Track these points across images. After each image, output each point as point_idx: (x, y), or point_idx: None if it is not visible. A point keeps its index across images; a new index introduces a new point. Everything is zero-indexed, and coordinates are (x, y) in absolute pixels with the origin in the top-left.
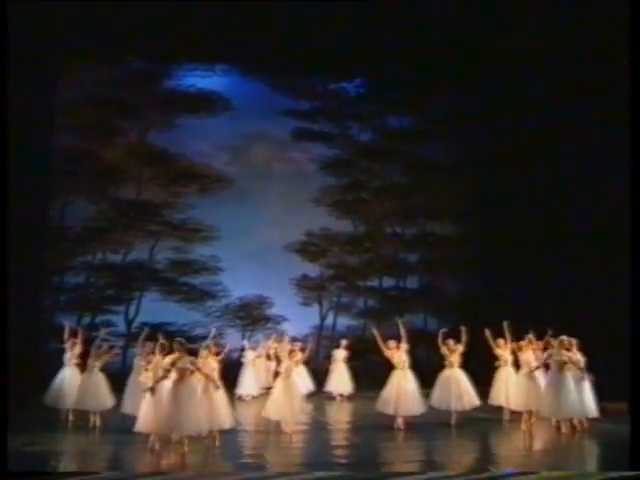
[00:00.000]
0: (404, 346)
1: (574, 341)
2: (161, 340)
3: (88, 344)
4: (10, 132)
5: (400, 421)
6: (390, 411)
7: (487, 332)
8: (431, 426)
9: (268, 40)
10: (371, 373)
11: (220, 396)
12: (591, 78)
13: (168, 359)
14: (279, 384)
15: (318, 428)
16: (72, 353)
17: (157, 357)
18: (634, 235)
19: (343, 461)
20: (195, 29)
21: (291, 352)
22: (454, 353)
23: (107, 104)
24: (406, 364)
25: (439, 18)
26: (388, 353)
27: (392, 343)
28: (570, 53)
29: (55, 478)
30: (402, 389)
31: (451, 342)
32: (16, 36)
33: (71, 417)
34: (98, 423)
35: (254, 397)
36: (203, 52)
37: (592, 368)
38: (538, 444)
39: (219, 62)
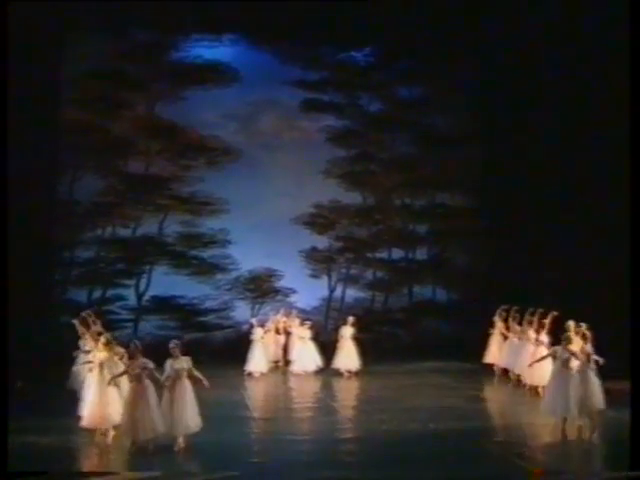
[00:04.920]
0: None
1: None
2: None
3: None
4: (16, 107)
5: None
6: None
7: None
8: None
9: (276, 9)
10: (378, 344)
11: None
12: (601, 51)
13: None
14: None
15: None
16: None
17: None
18: (635, 205)
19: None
20: None
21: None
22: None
23: (113, 77)
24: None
25: None
26: None
27: None
28: (582, 25)
29: (55, 478)
30: None
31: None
32: (20, 9)
33: None
34: None
35: (263, 374)
36: (210, 22)
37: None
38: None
39: (226, 32)
